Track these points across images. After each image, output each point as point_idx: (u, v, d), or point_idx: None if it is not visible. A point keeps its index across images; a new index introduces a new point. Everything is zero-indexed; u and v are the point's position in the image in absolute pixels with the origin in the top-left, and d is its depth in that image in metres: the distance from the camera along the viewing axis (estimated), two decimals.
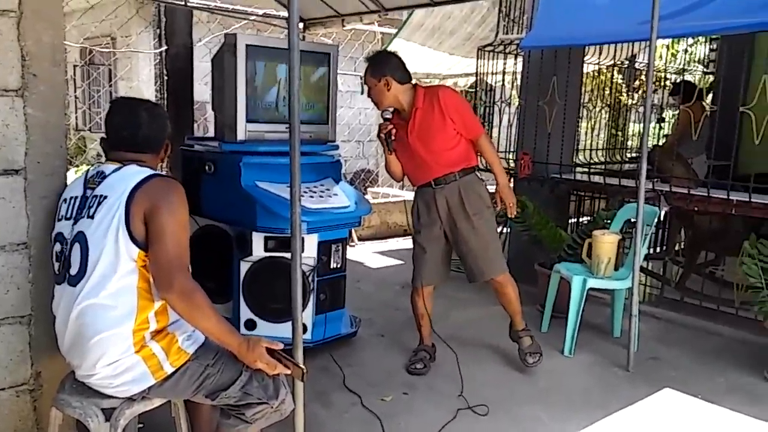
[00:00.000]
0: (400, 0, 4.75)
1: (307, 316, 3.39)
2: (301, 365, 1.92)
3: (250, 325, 3.38)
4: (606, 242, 3.68)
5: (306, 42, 4.97)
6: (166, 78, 4.88)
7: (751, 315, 3.76)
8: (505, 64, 5.11)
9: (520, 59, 5.11)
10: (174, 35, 4.90)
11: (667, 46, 9.23)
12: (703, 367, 3.52)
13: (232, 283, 3.43)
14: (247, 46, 3.27)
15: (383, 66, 3.17)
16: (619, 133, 8.97)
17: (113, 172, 1.94)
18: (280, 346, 1.92)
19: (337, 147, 3.73)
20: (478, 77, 5.39)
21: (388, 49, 5.79)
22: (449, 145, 3.18)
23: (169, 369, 1.87)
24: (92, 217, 1.87)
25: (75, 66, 9.11)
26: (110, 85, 7.95)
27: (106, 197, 1.88)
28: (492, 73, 5.20)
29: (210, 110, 6.73)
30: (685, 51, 9.52)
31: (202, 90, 6.22)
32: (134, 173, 1.92)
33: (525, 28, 5.18)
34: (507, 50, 5.07)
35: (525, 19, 5.29)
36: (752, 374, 3.42)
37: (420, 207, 3.30)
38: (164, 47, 4.87)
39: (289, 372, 1.91)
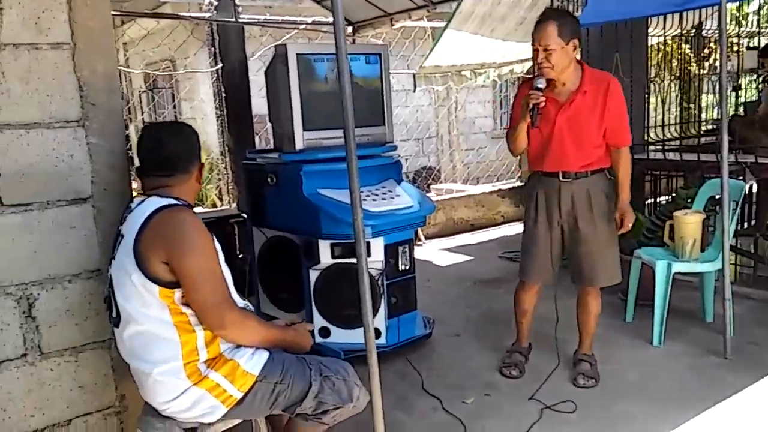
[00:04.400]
0: None
1: (379, 320, 3.34)
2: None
3: (324, 333, 3.36)
4: (690, 223, 3.45)
5: (355, 44, 4.94)
6: (224, 95, 4.96)
7: None
8: None
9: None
10: (228, 52, 4.98)
11: (737, 9, 8.67)
12: None
13: (302, 291, 3.43)
14: (297, 55, 3.26)
15: (573, 25, 2.72)
16: (691, 106, 8.51)
17: (137, 206, 1.88)
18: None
19: (395, 147, 3.67)
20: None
21: (440, 41, 5.69)
22: (596, 142, 2.85)
23: (238, 394, 1.84)
24: (115, 258, 1.86)
25: (140, 92, 9.47)
26: (173, 107, 8.20)
27: (123, 237, 1.84)
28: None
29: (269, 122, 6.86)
30: (756, 12, 8.92)
31: (261, 103, 6.30)
32: (147, 209, 1.82)
33: (580, 6, 4.95)
34: None
35: None
36: None
37: (539, 197, 2.97)
38: (220, 65, 4.95)
39: None
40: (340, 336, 3.32)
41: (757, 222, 4.69)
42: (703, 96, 9.06)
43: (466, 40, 5.63)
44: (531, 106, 2.75)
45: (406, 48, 7.48)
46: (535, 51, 2.77)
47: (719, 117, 7.29)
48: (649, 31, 4.85)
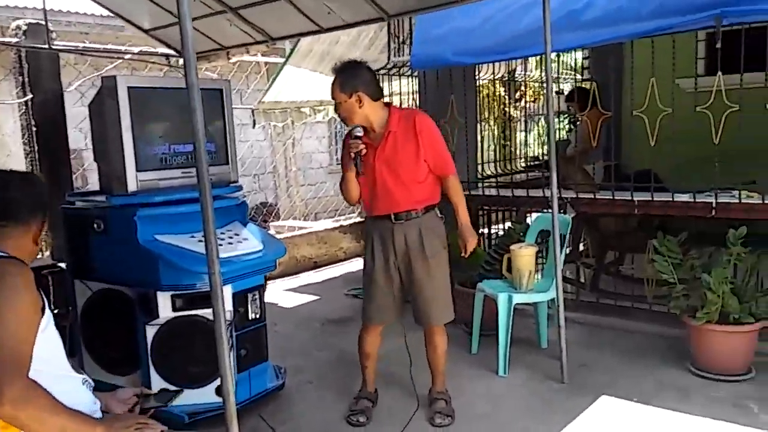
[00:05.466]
0: (286, 29, 4.58)
1: None
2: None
3: None
4: (525, 255, 3.67)
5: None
6: (34, 129, 4.38)
7: (664, 309, 3.89)
8: (400, 85, 5.08)
9: (415, 80, 5.12)
10: (40, 81, 4.44)
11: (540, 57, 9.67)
12: (631, 368, 3.57)
13: (138, 350, 3.06)
14: (129, 88, 2.97)
15: (355, 79, 2.84)
16: (508, 143, 9.29)
17: None
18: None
19: (240, 187, 3.49)
20: None
21: (279, 77, 5.61)
22: (419, 177, 2.91)
23: None
24: None
25: None
26: None
27: None
28: (388, 96, 5.17)
29: (87, 158, 6.21)
30: (556, 58, 10.03)
31: (77, 137, 5.69)
32: None
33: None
34: (401, 72, 5.05)
35: (412, 40, 5.30)
36: (677, 368, 3.51)
37: (375, 239, 3.00)
38: (29, 95, 4.38)
39: None
40: (183, 397, 3.00)
41: (573, 250, 5.16)
42: (518, 134, 9.98)
43: (305, 77, 5.63)
44: (353, 155, 2.83)
45: (242, 82, 7.28)
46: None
47: (538, 155, 7.98)
48: (479, 75, 5.20)
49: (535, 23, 3.32)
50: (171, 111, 3.24)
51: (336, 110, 2.99)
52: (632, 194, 3.90)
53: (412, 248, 2.95)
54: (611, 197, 4.01)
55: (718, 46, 3.29)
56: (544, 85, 8.76)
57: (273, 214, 8.14)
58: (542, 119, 9.27)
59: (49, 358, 1.69)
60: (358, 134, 2.85)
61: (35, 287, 1.63)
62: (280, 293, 5.64)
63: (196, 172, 1.81)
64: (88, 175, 6.41)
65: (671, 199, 3.79)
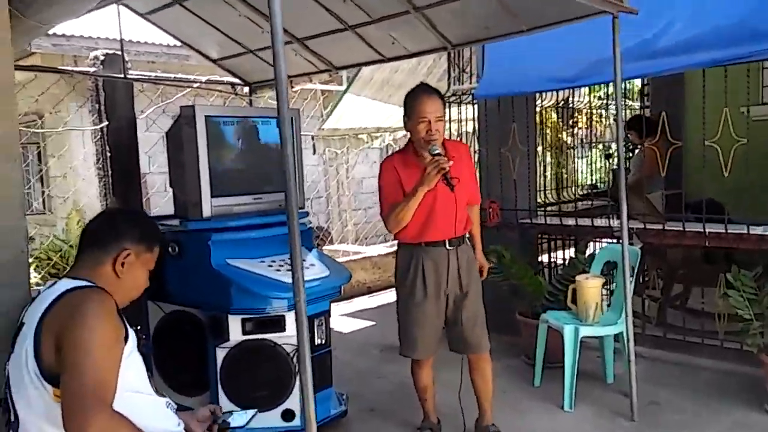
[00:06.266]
0: (350, 58, 4.67)
1: (293, 401, 3.11)
2: None
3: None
4: (591, 287, 3.60)
5: (265, 108, 4.81)
6: (109, 155, 4.58)
7: (736, 346, 3.74)
8: (459, 113, 5.10)
9: (472, 107, 5.13)
10: (115, 109, 4.64)
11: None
12: (704, 407, 3.43)
13: (207, 372, 3.12)
14: (206, 117, 3.08)
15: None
16: (563, 171, 9.17)
17: (46, 290, 1.66)
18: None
19: (307, 214, 3.55)
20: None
21: (340, 105, 5.72)
22: (466, 203, 3.00)
23: None
24: (13, 351, 1.61)
25: None
26: (39, 168, 7.48)
27: (24, 324, 1.61)
28: (448, 121, 5.19)
29: (152, 183, 6.42)
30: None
31: (143, 161, 5.89)
32: (56, 290, 1.63)
33: (474, 77, 5.20)
34: (461, 100, 5.07)
35: (472, 68, 5.33)
36: (752, 408, 3.36)
37: (427, 268, 2.90)
38: (105, 122, 4.59)
39: None
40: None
41: (638, 283, 5.02)
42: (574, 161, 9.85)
43: (365, 104, 5.71)
44: (445, 168, 2.67)
45: (301, 110, 7.44)
46: (426, 123, 2.76)
47: (595, 182, 7.83)
48: (541, 102, 5.18)
49: (605, 51, 3.28)
50: (244, 139, 3.35)
51: (430, 127, 2.76)
52: (704, 226, 3.78)
53: (464, 274, 2.94)
54: (681, 228, 3.89)
55: None
56: (599, 111, 8.59)
57: (328, 239, 8.22)
58: (597, 146, 9.15)
59: (135, 384, 1.74)
60: (439, 151, 2.73)
61: (117, 315, 1.67)
62: (336, 318, 5.65)
63: (285, 201, 1.85)
64: (152, 199, 6.62)
65: (746, 231, 3.66)
